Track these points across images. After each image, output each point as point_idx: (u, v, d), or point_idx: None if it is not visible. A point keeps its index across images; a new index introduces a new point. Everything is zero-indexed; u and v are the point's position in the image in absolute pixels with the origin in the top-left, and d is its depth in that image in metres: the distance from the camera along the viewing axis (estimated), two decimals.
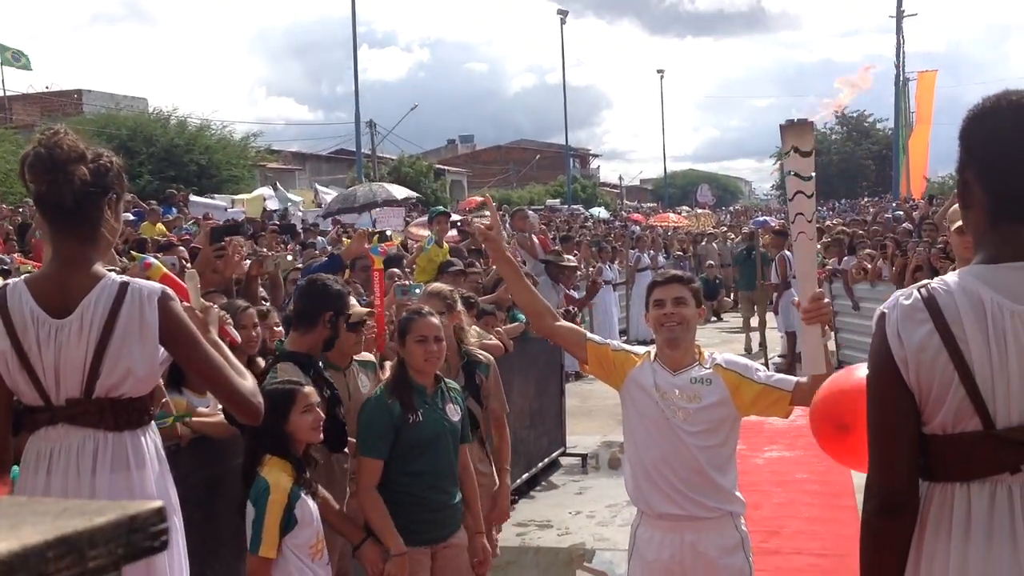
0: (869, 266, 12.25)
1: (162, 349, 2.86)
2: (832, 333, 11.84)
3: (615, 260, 17.25)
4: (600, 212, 39.32)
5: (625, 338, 15.45)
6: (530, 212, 14.68)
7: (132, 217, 14.10)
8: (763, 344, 14.34)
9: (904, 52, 40.46)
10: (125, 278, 2.88)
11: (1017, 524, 1.90)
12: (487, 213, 3.87)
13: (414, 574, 4.13)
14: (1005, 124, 1.97)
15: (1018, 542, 1.90)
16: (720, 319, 20.36)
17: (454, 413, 4.33)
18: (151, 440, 2.90)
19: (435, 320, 4.31)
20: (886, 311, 2.01)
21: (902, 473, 2.00)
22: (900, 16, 40.19)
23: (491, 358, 5.34)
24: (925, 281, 2.02)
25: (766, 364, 11.45)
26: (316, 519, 3.82)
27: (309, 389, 3.89)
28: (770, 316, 14.89)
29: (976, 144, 2.02)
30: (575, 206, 40.67)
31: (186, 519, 3.02)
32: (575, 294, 12.04)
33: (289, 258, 7.62)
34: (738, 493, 3.61)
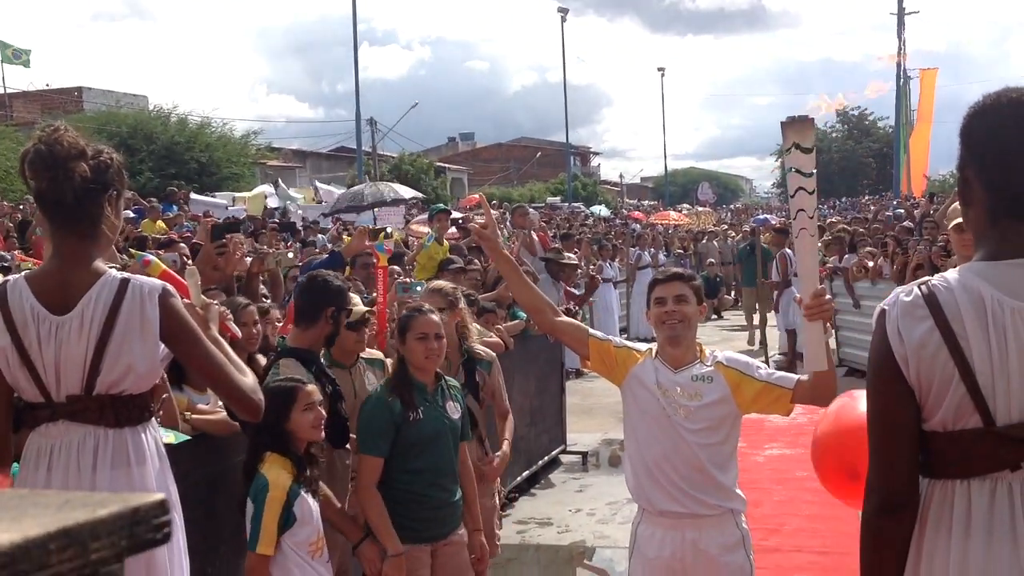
0: (870, 264, 12.24)
1: (163, 346, 2.86)
2: (833, 331, 11.84)
3: (615, 258, 17.25)
4: (601, 210, 39.31)
5: (625, 336, 15.44)
6: (530, 210, 14.69)
7: (132, 214, 14.08)
8: (763, 342, 14.34)
9: (905, 50, 40.44)
10: (126, 275, 2.88)
11: (1017, 521, 1.90)
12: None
13: (415, 571, 4.13)
14: (1005, 121, 1.97)
15: (1018, 539, 1.90)
16: (720, 317, 20.36)
17: (454, 411, 4.33)
18: (151, 437, 2.91)
19: (435, 317, 4.31)
20: (886, 308, 2.01)
21: (902, 471, 2.00)
22: (901, 14, 40.16)
23: (493, 355, 5.34)
24: (925, 278, 2.02)
25: (767, 362, 11.44)
26: (316, 517, 3.82)
27: (311, 387, 3.89)
28: (770, 314, 14.88)
29: (976, 141, 2.02)
30: (576, 204, 40.66)
31: (186, 516, 3.02)
32: (575, 291, 12.04)
33: (290, 255, 7.60)
34: (739, 491, 3.61)
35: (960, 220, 2.38)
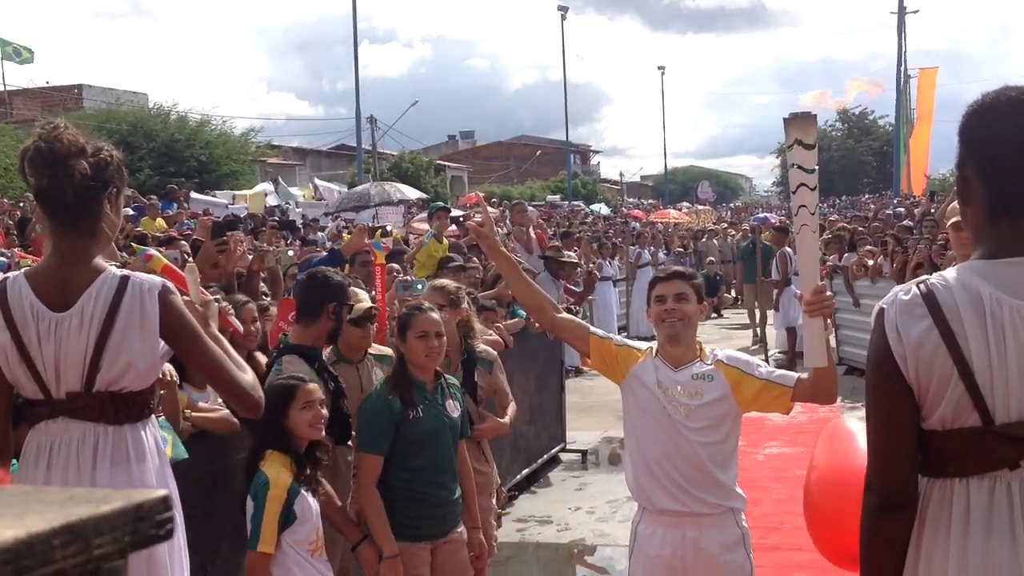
0: (870, 263, 12.24)
1: (162, 343, 2.86)
2: (833, 329, 11.84)
3: (615, 256, 17.25)
4: (601, 208, 39.32)
5: (625, 334, 15.45)
6: (529, 208, 14.69)
7: (132, 212, 14.08)
8: (763, 340, 14.36)
9: (905, 49, 40.42)
10: (126, 272, 2.88)
11: (1016, 520, 1.91)
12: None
13: (414, 569, 4.13)
14: (1004, 120, 1.97)
15: (1017, 538, 1.90)
16: (720, 316, 20.36)
17: (454, 409, 4.33)
18: (151, 434, 2.91)
19: (436, 316, 4.31)
20: (885, 307, 2.01)
21: (901, 470, 2.00)
22: (902, 13, 40.12)
23: (495, 354, 5.35)
24: (924, 277, 2.02)
25: (767, 360, 11.45)
26: (316, 515, 3.82)
27: (312, 386, 3.88)
28: (770, 312, 14.89)
29: (975, 140, 2.02)
30: (576, 202, 40.66)
31: (186, 513, 3.02)
32: (575, 288, 12.04)
33: (291, 253, 7.61)
34: (739, 489, 3.61)
35: (958, 218, 2.37)
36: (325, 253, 8.18)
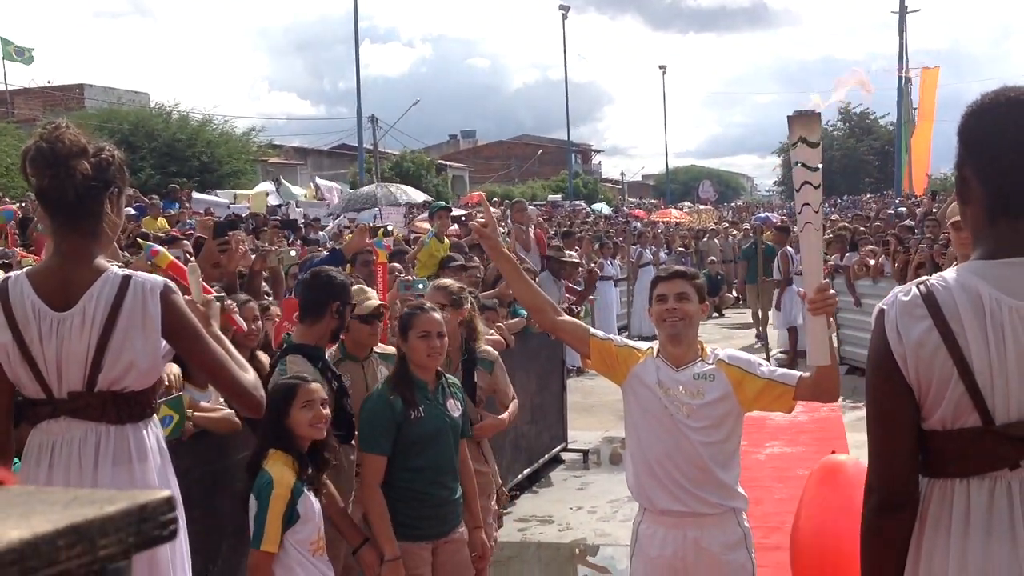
0: (871, 262, 12.24)
1: (164, 342, 2.86)
2: (835, 327, 11.82)
3: (616, 256, 17.24)
4: (602, 208, 39.32)
5: (626, 334, 15.46)
6: (529, 207, 14.70)
7: (133, 212, 14.09)
8: (763, 338, 14.36)
9: (907, 48, 40.37)
10: (127, 271, 2.88)
11: (1016, 520, 1.91)
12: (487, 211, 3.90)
13: (416, 569, 4.13)
14: (1003, 120, 1.97)
15: (1017, 538, 1.90)
16: (722, 315, 20.35)
17: (455, 408, 4.33)
18: (153, 433, 2.91)
19: (437, 315, 4.31)
20: (885, 308, 2.01)
21: (902, 470, 2.00)
22: (903, 12, 40.09)
23: (496, 354, 5.34)
24: (923, 278, 2.02)
25: (768, 360, 11.45)
26: (318, 515, 3.82)
27: (314, 385, 3.88)
28: (772, 312, 14.89)
29: (974, 140, 2.02)
30: (577, 202, 40.66)
31: (188, 513, 3.02)
32: (576, 287, 12.04)
33: (293, 253, 7.61)
34: (740, 489, 3.61)
35: (958, 218, 2.37)
36: (326, 253, 8.18)
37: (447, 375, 4.47)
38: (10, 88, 33.60)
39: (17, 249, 8.45)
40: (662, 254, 19.77)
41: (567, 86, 46.95)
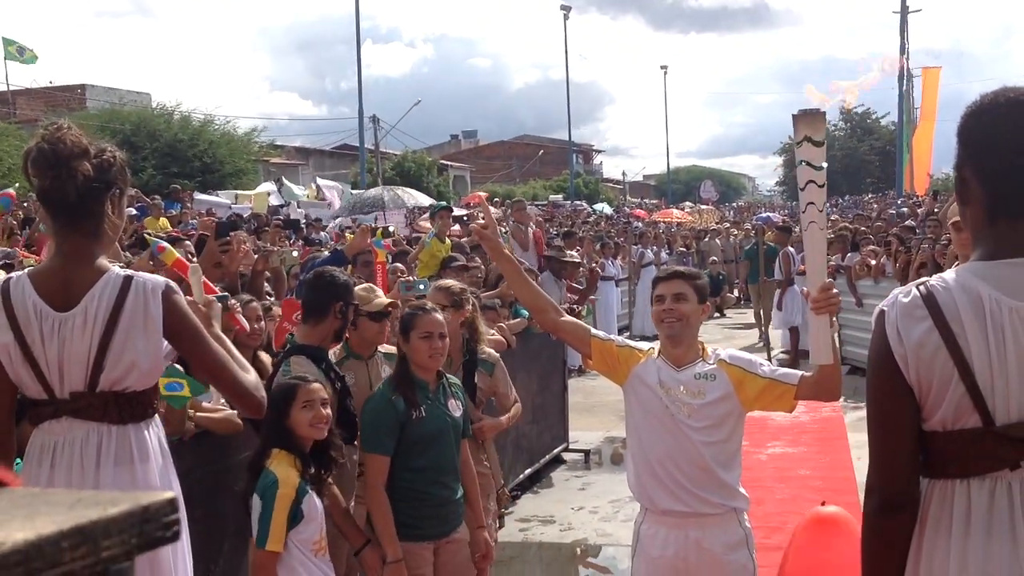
0: (873, 262, 12.24)
1: (166, 343, 2.86)
2: (837, 327, 11.82)
3: (617, 256, 17.24)
4: (603, 208, 39.30)
5: (628, 334, 15.46)
6: (529, 206, 14.69)
7: (135, 212, 14.10)
8: (765, 336, 14.36)
9: (908, 48, 40.36)
10: (129, 272, 2.88)
11: (1017, 520, 1.91)
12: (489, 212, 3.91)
13: (417, 569, 4.13)
14: (1002, 121, 1.97)
15: (1018, 538, 1.90)
16: (723, 315, 20.35)
17: (456, 408, 4.33)
18: (155, 434, 2.91)
19: (439, 316, 4.31)
20: (885, 309, 2.01)
21: (902, 471, 2.00)
22: (904, 12, 40.08)
23: (497, 356, 5.34)
24: (924, 279, 2.03)
25: (769, 360, 11.45)
26: (321, 515, 3.82)
27: (315, 385, 3.88)
28: (773, 312, 14.88)
29: (974, 141, 2.02)
30: (578, 202, 40.65)
31: (189, 513, 3.02)
32: (578, 286, 12.04)
33: (295, 254, 7.62)
34: (742, 489, 3.61)
35: (959, 218, 2.38)
36: (328, 253, 8.18)
37: (448, 375, 4.47)
38: (12, 88, 33.63)
39: (19, 249, 8.47)
40: (663, 254, 19.78)
41: (568, 86, 47.00)
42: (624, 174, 69.30)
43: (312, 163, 44.69)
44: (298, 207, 22.70)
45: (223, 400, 4.17)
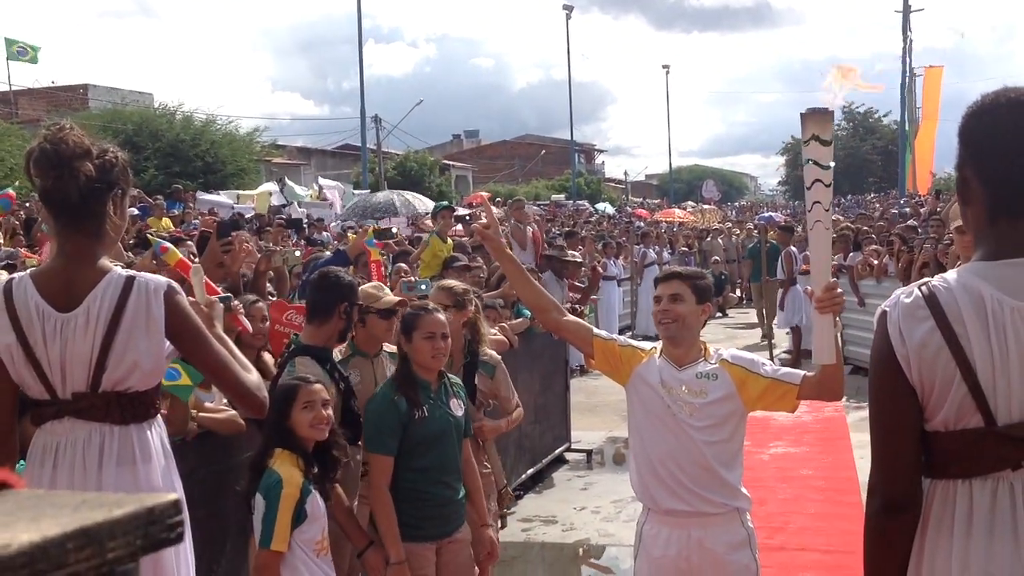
0: (875, 262, 12.23)
1: (168, 343, 2.86)
2: (840, 326, 11.81)
3: (619, 255, 17.24)
4: (605, 207, 39.29)
5: (630, 334, 15.46)
6: (529, 206, 14.69)
7: (137, 212, 14.11)
8: (768, 336, 14.35)
9: (911, 48, 40.34)
10: (131, 272, 2.89)
11: (1019, 520, 1.91)
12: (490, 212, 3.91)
13: (420, 569, 4.13)
14: (1004, 121, 1.97)
15: (1020, 538, 1.90)
16: (725, 315, 20.34)
17: (458, 408, 4.33)
18: (157, 434, 2.91)
19: (442, 316, 4.31)
20: (887, 309, 2.01)
21: (905, 472, 2.01)
22: (907, 11, 40.05)
23: (498, 358, 5.33)
24: (925, 279, 2.03)
25: (772, 359, 11.44)
26: (323, 515, 3.82)
27: (317, 386, 3.88)
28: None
29: (975, 141, 2.02)
30: (580, 201, 40.66)
31: (192, 514, 3.02)
32: (580, 285, 12.03)
33: (297, 254, 7.62)
34: (744, 489, 3.60)
35: (961, 222, 2.38)
36: (330, 254, 8.19)
37: (449, 375, 4.47)
38: (14, 88, 33.66)
39: (21, 250, 8.48)
40: (666, 254, 19.77)
41: (571, 86, 47.04)
42: (626, 174, 69.23)
43: (314, 163, 44.71)
44: (300, 207, 22.72)
45: (225, 400, 4.17)
